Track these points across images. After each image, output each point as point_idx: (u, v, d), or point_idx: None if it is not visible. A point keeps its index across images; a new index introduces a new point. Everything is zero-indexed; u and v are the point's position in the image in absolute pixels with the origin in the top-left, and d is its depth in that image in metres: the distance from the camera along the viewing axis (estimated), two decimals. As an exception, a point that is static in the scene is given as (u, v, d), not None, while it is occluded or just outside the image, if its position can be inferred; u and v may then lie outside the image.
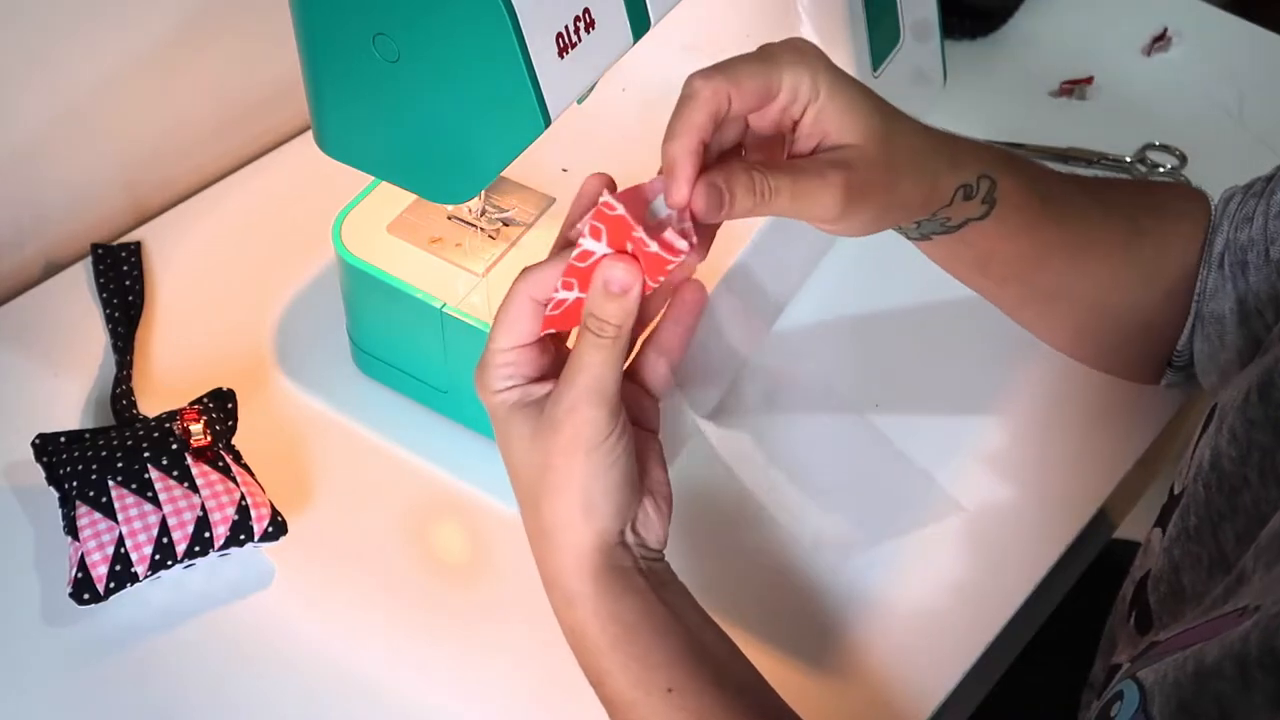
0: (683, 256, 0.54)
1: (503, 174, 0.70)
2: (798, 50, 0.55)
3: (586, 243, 0.54)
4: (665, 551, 0.58)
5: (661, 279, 0.55)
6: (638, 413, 0.58)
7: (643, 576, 0.56)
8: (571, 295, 0.55)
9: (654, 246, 0.53)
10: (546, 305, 0.56)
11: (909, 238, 0.65)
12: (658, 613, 0.55)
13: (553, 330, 0.56)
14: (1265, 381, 0.57)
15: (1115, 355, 0.75)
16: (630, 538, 0.57)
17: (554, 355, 0.57)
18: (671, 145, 0.53)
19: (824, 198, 0.54)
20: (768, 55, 0.55)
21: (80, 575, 0.66)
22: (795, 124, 0.56)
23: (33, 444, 0.70)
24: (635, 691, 0.54)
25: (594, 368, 0.53)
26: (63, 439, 0.70)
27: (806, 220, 0.56)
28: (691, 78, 0.54)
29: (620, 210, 0.53)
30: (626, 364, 0.56)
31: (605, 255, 0.54)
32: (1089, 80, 1.02)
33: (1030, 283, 0.68)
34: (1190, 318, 0.69)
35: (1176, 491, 0.62)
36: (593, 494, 0.54)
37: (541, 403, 0.55)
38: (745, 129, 0.57)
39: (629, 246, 0.54)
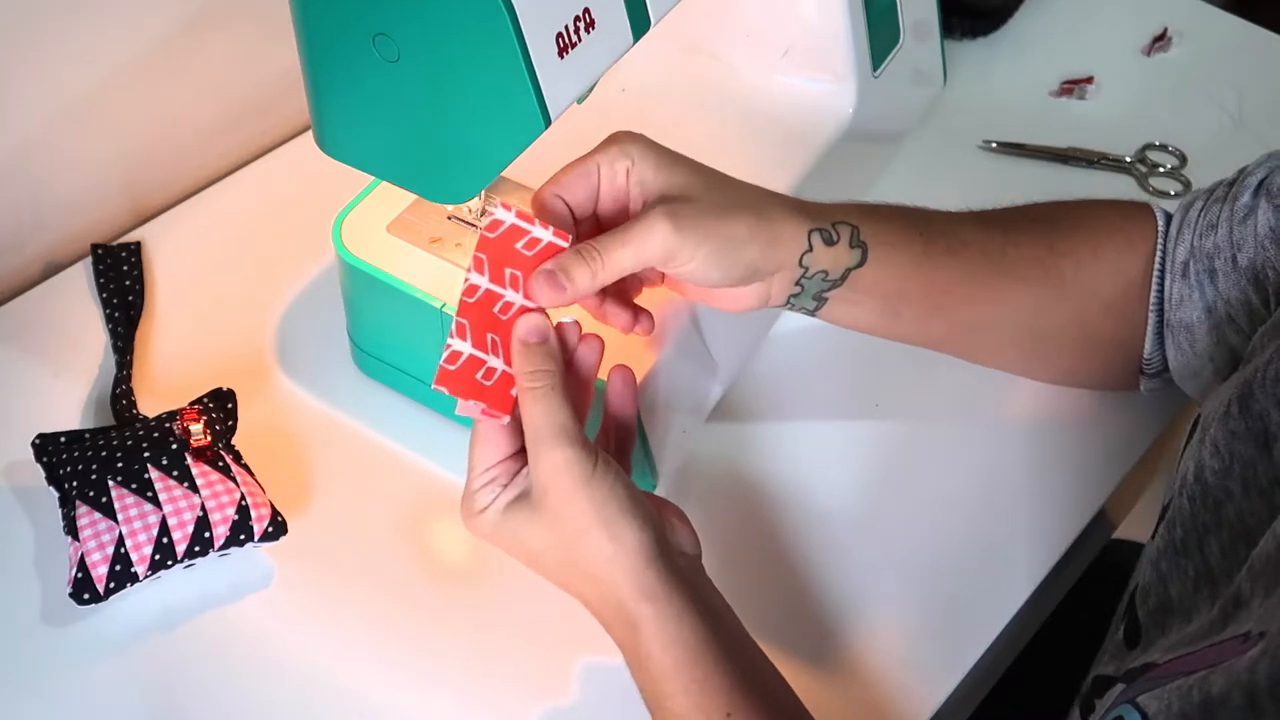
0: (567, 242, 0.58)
1: (503, 174, 0.70)
2: (611, 139, 0.61)
3: (471, 277, 0.58)
4: None
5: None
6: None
7: (695, 593, 0.57)
8: (465, 348, 0.58)
9: (540, 232, 0.58)
10: (442, 354, 0.58)
11: (806, 310, 0.66)
12: (717, 634, 0.56)
13: (444, 389, 0.58)
14: (1245, 393, 0.57)
15: (1069, 372, 0.76)
16: (674, 549, 0.58)
17: (523, 456, 0.59)
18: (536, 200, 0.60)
19: (653, 232, 0.58)
20: (586, 155, 0.61)
21: (80, 575, 0.66)
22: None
23: (33, 444, 0.70)
24: (696, 715, 0.55)
25: (547, 415, 0.56)
26: (63, 439, 0.70)
27: (660, 266, 0.59)
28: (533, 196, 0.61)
29: (507, 220, 0.57)
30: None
31: (488, 290, 0.58)
32: (1089, 80, 1.02)
33: (949, 318, 0.69)
34: (1149, 328, 0.69)
35: (1166, 503, 0.62)
36: (609, 516, 0.56)
37: (524, 493, 0.57)
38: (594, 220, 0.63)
39: (506, 274, 0.58)
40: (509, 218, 0.57)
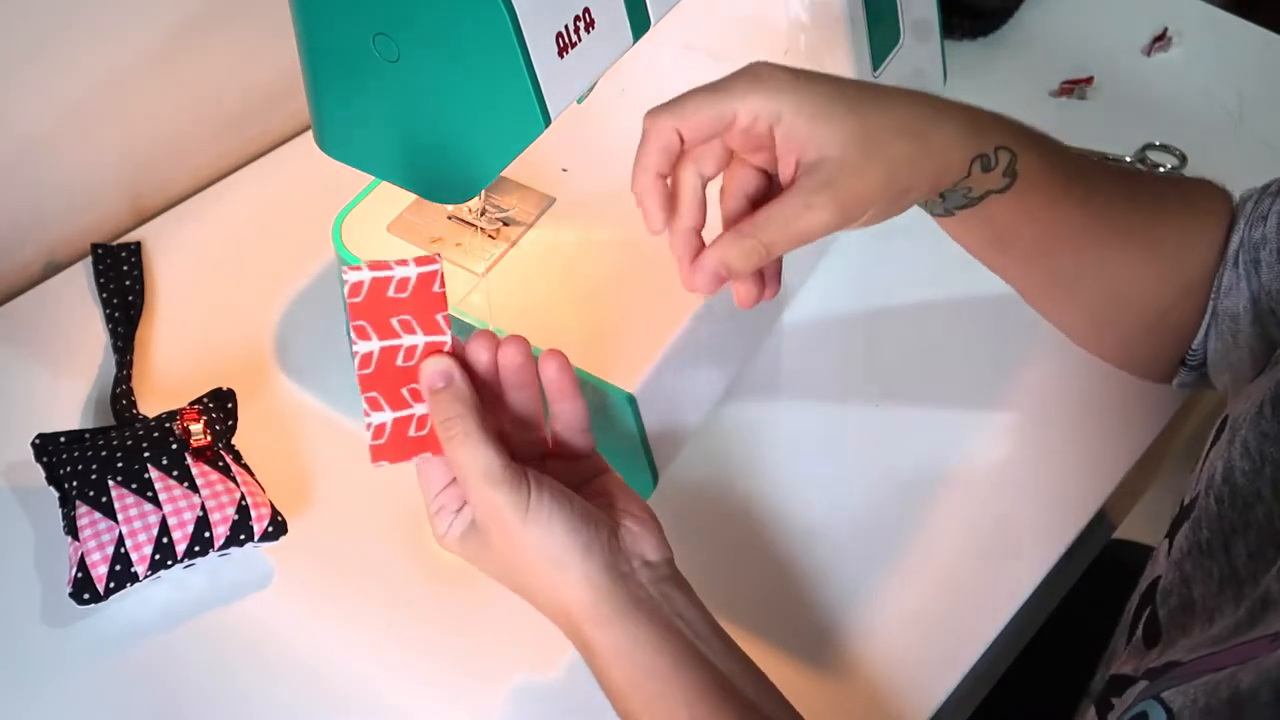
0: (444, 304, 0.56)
1: (503, 174, 0.70)
2: (753, 77, 0.56)
3: (359, 347, 0.56)
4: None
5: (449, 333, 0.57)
6: (572, 457, 0.60)
7: (656, 608, 0.56)
8: (386, 417, 0.57)
9: (404, 271, 0.55)
10: (367, 434, 0.57)
11: (933, 214, 0.64)
12: (677, 648, 0.56)
13: (386, 462, 0.57)
14: (1278, 394, 0.57)
15: (1129, 349, 0.75)
16: (630, 564, 0.57)
17: None
18: (633, 185, 0.58)
19: (820, 222, 0.55)
20: (720, 86, 0.56)
21: (80, 575, 0.66)
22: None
23: (33, 444, 0.70)
24: None
25: (469, 463, 0.55)
26: (63, 439, 0.70)
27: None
28: (645, 116, 0.57)
29: (365, 277, 0.55)
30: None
31: (383, 349, 0.56)
32: (1089, 80, 1.02)
33: (1051, 265, 0.68)
34: (1207, 316, 0.69)
35: (1186, 503, 0.62)
36: (552, 552, 0.55)
37: (475, 522, 0.58)
38: (728, 156, 0.59)
39: (394, 323, 0.56)
40: (365, 275, 0.55)
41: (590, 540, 0.55)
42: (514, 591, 0.59)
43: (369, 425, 0.56)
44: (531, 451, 0.60)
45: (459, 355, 0.58)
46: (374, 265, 0.55)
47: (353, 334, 0.56)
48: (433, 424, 0.57)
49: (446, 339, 0.57)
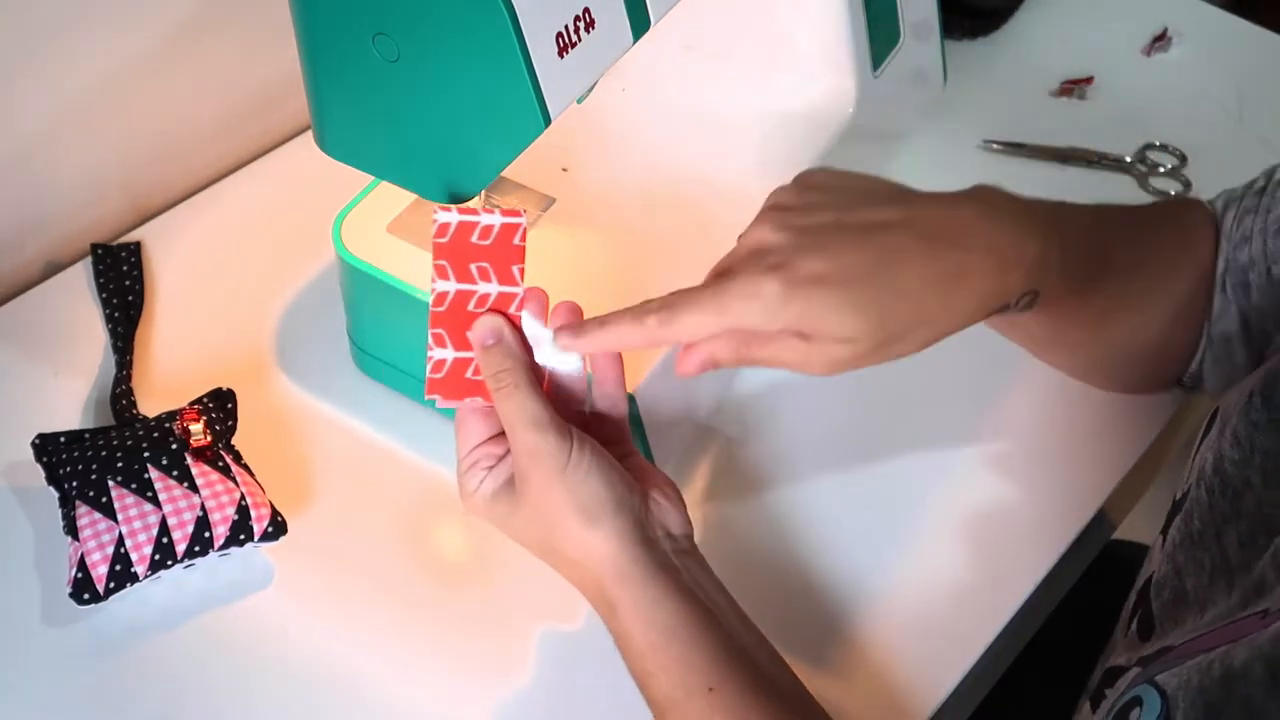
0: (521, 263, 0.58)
1: (503, 174, 0.70)
2: (752, 295, 0.53)
3: (436, 285, 0.58)
4: None
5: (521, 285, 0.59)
6: (606, 439, 0.60)
7: (678, 575, 0.57)
8: (448, 355, 0.59)
9: (490, 219, 0.58)
10: (427, 367, 0.59)
11: None
12: (697, 614, 0.57)
13: (438, 397, 0.59)
14: (1269, 384, 0.57)
15: (1128, 380, 0.76)
16: (655, 531, 0.58)
17: (505, 438, 0.59)
18: (605, 324, 0.57)
19: (810, 373, 0.55)
20: (716, 296, 0.54)
21: (80, 575, 0.66)
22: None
23: (33, 444, 0.70)
24: (677, 692, 0.56)
25: (517, 411, 0.56)
26: (63, 439, 0.70)
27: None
28: (648, 316, 0.55)
29: (453, 219, 0.57)
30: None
31: (458, 291, 0.58)
32: (1089, 80, 1.02)
33: (1057, 343, 0.69)
34: (1203, 342, 0.69)
35: (1179, 497, 0.62)
36: (585, 503, 0.56)
37: (510, 479, 0.59)
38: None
39: (472, 269, 0.58)
40: (453, 217, 0.58)
41: (623, 498, 0.57)
42: (539, 554, 0.60)
43: (430, 359, 0.59)
44: (570, 421, 0.60)
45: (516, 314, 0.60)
46: (463, 210, 0.58)
47: (432, 271, 0.58)
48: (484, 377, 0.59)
49: (520, 290, 0.59)
